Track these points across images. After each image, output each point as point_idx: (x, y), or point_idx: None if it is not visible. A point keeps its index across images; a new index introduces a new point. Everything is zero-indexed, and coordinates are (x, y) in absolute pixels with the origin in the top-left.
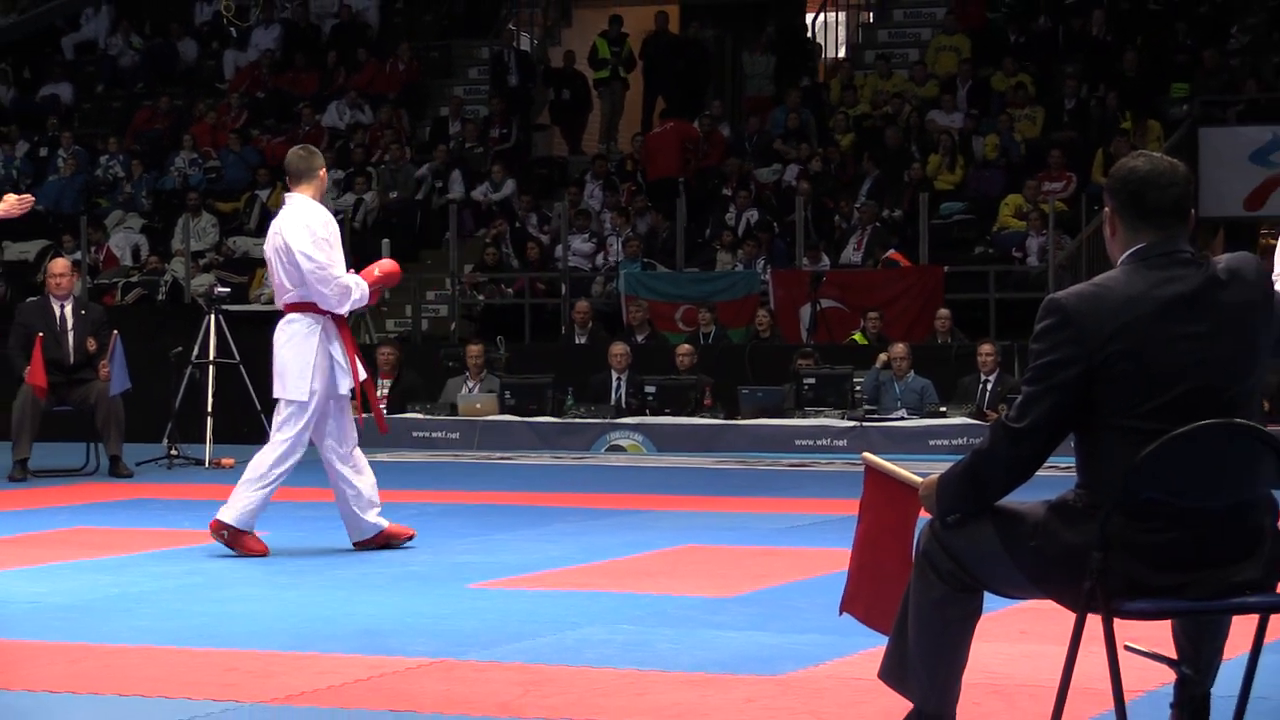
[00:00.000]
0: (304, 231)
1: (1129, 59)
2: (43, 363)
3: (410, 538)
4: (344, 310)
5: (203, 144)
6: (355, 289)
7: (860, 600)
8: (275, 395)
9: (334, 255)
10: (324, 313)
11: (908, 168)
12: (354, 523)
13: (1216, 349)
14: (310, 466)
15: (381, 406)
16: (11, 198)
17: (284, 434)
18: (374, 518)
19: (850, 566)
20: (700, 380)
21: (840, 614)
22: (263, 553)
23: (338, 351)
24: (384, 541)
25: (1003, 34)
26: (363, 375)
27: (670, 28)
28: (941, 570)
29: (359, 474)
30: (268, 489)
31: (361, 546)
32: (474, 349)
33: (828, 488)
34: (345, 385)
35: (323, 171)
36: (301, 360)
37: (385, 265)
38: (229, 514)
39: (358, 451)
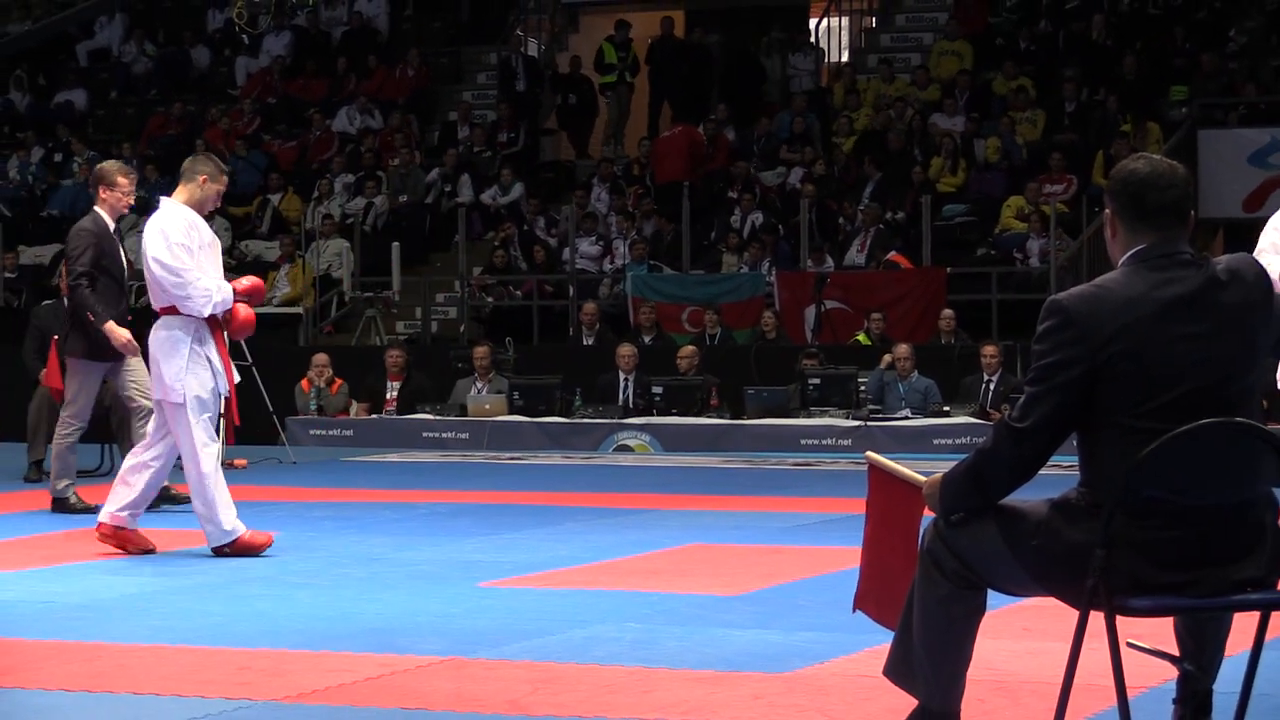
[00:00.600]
0: (159, 237)
1: (1129, 62)
2: (59, 365)
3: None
4: (206, 313)
5: (216, 149)
6: (217, 293)
7: (871, 598)
8: (155, 398)
9: (198, 259)
10: (193, 316)
11: (910, 170)
12: (123, 499)
13: (1217, 349)
14: (317, 468)
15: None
16: None
17: (183, 439)
18: (126, 515)
19: (860, 565)
20: (706, 381)
21: (853, 611)
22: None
23: (213, 353)
24: (111, 534)
25: (1004, 38)
26: (231, 382)
27: (676, 33)
28: (945, 568)
29: (129, 484)
30: (219, 491)
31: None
32: (481, 350)
33: (833, 487)
34: (222, 386)
35: (204, 178)
36: (174, 364)
37: (251, 280)
38: (218, 538)
39: (154, 463)
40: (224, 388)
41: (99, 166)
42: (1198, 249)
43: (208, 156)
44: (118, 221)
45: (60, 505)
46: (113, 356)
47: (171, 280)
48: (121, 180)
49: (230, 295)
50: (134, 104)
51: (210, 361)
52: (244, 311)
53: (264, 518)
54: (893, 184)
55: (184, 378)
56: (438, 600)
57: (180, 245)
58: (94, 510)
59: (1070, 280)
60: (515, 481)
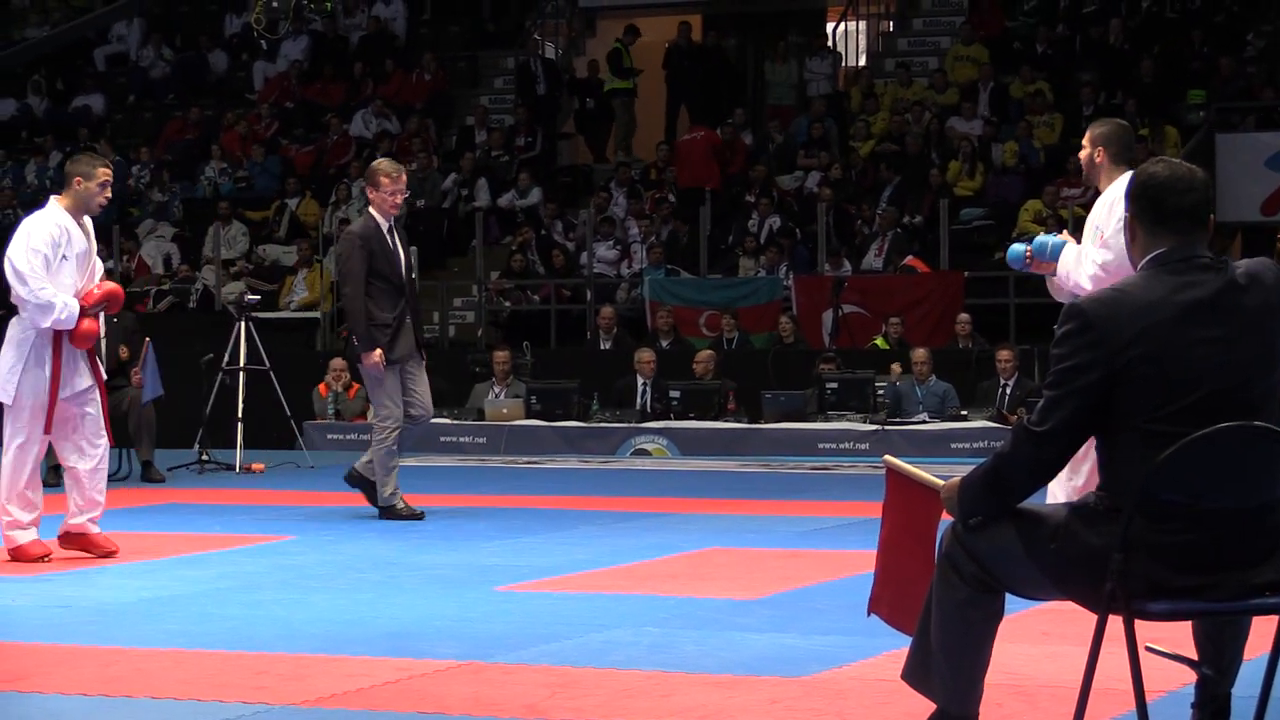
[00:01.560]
0: (21, 239)
1: (1146, 66)
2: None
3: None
4: (44, 325)
5: (232, 154)
6: (59, 308)
7: (885, 601)
8: None
9: (56, 269)
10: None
11: (928, 174)
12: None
13: (1236, 353)
14: (334, 472)
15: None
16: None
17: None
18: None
19: (876, 568)
20: (724, 385)
21: (868, 615)
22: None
23: (50, 355)
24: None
25: (1021, 42)
26: (81, 384)
27: (693, 37)
28: (964, 572)
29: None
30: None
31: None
32: (500, 355)
33: (850, 491)
34: (68, 389)
35: (77, 180)
36: (8, 362)
37: (108, 286)
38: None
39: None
40: (64, 393)
41: (370, 166)
42: (1216, 253)
43: (84, 158)
44: (391, 222)
45: (389, 513)
46: (401, 356)
47: (17, 285)
48: (384, 180)
49: (74, 314)
50: (151, 108)
51: (47, 363)
52: (85, 324)
53: (281, 522)
54: (910, 188)
55: (15, 378)
56: (455, 604)
57: (35, 250)
58: (421, 516)
59: None
60: (532, 486)
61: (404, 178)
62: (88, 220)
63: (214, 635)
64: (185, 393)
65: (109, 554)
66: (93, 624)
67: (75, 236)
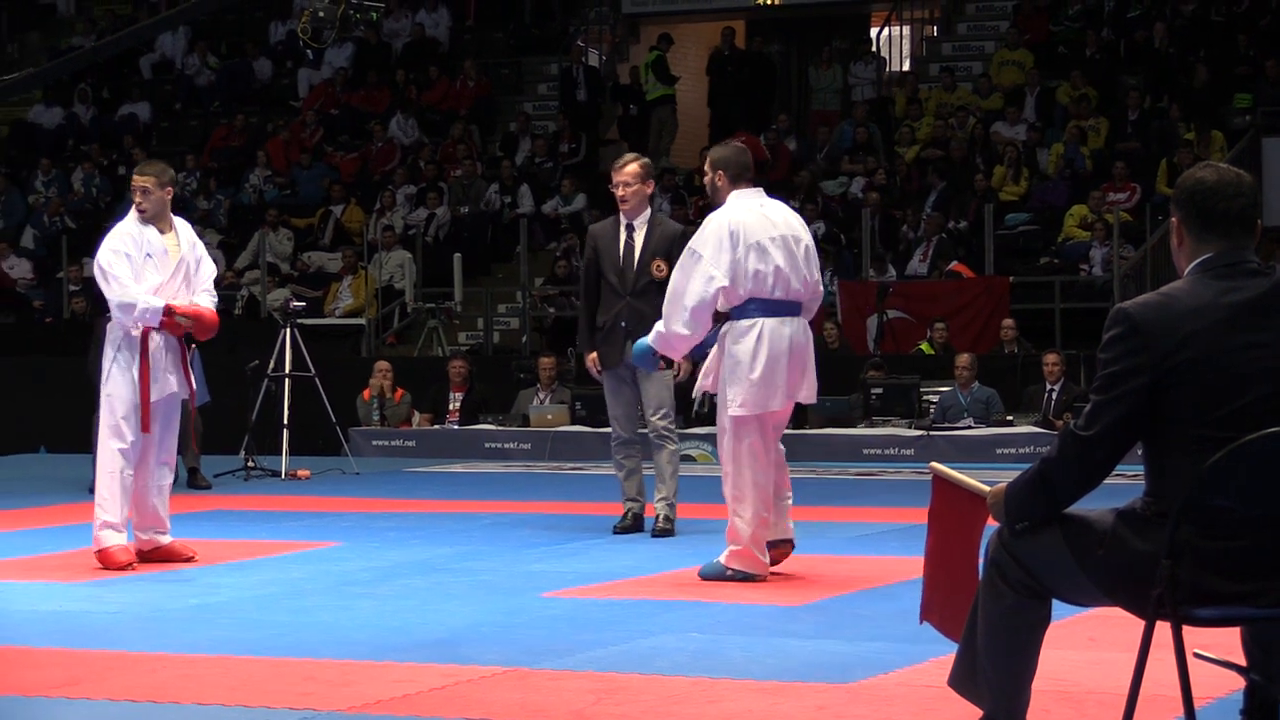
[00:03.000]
0: (104, 244)
1: (1192, 70)
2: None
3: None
4: (127, 323)
5: (277, 161)
6: (140, 307)
7: (936, 609)
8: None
9: (139, 270)
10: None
11: (973, 179)
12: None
13: None
14: (380, 478)
15: (452, 420)
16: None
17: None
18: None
19: (924, 576)
20: None
21: (920, 623)
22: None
23: (139, 359)
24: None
25: (1066, 46)
26: (168, 389)
27: (736, 42)
28: (1010, 578)
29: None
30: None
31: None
32: (547, 361)
33: (896, 497)
34: (156, 391)
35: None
36: (105, 363)
37: (201, 309)
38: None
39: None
40: (154, 395)
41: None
42: (1263, 257)
43: (140, 167)
44: (633, 220)
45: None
46: (616, 364)
47: (103, 284)
48: (612, 173)
49: (156, 311)
50: (197, 116)
51: (134, 366)
52: (171, 322)
53: (327, 528)
54: (955, 193)
55: (109, 378)
56: (501, 611)
57: (116, 251)
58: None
59: (1134, 289)
60: (578, 492)
61: (627, 169)
62: (181, 225)
63: (261, 642)
64: (231, 399)
65: (189, 559)
66: (141, 630)
67: (153, 239)
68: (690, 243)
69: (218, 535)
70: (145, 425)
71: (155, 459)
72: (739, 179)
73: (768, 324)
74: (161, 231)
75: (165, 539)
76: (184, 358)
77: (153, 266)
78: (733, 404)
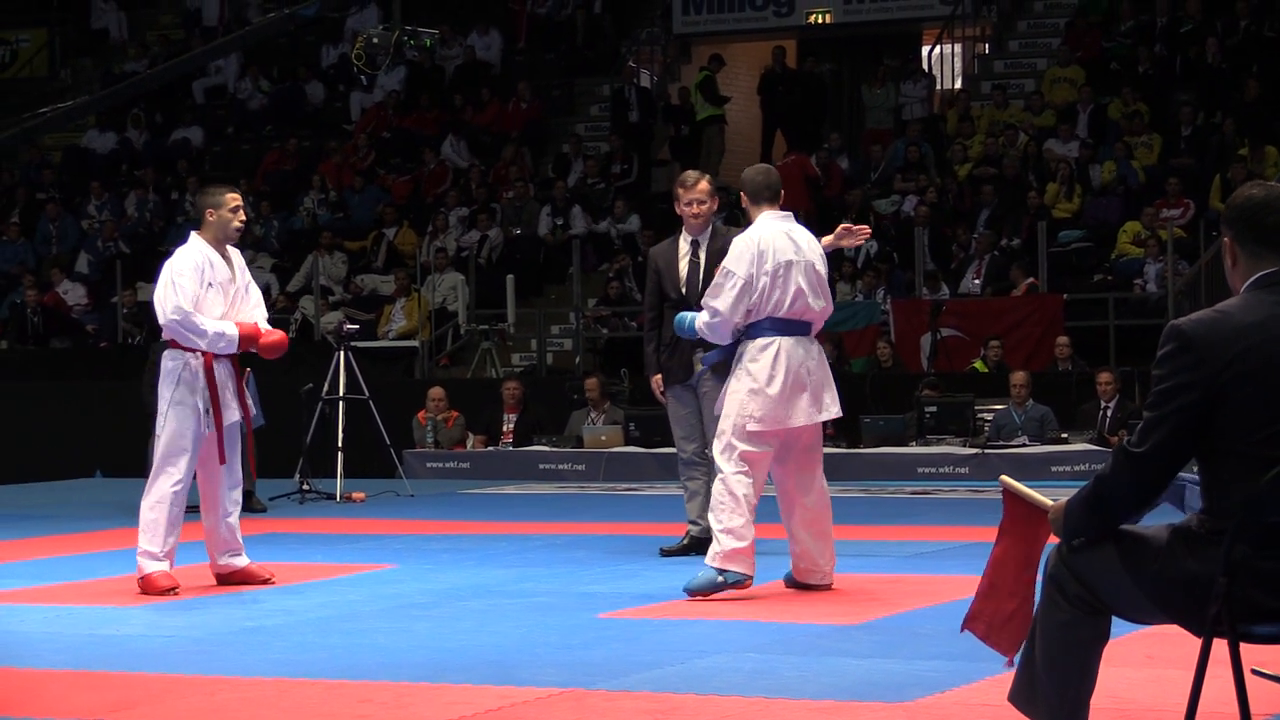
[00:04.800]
0: (165, 274)
1: (1245, 86)
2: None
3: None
4: (203, 347)
5: (330, 184)
6: (211, 334)
7: (982, 619)
8: None
9: (203, 297)
10: (190, 350)
11: (1025, 196)
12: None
13: None
14: (434, 500)
15: (507, 441)
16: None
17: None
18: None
19: (980, 586)
20: None
21: (961, 631)
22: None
23: (203, 389)
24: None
25: (1118, 63)
26: (232, 417)
27: (788, 62)
28: (1069, 593)
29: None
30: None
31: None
32: (591, 382)
33: (951, 515)
34: (215, 422)
35: (212, 212)
36: (163, 396)
37: (276, 334)
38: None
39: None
40: (233, 419)
41: None
42: None
43: (210, 189)
44: (698, 235)
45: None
46: (679, 379)
47: (168, 313)
48: (678, 189)
49: (234, 338)
50: (250, 140)
51: (198, 398)
52: (264, 340)
53: (382, 550)
54: (1008, 210)
55: (165, 410)
56: (557, 632)
57: (173, 283)
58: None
59: (1188, 305)
60: (632, 513)
61: (699, 186)
62: (234, 252)
63: (316, 664)
64: (286, 422)
65: (266, 580)
66: (197, 653)
67: (218, 265)
68: (724, 263)
69: (273, 558)
70: (221, 457)
71: (225, 486)
72: (758, 198)
73: (784, 342)
74: (222, 255)
75: (241, 561)
76: (240, 383)
77: (216, 293)
78: (751, 420)
